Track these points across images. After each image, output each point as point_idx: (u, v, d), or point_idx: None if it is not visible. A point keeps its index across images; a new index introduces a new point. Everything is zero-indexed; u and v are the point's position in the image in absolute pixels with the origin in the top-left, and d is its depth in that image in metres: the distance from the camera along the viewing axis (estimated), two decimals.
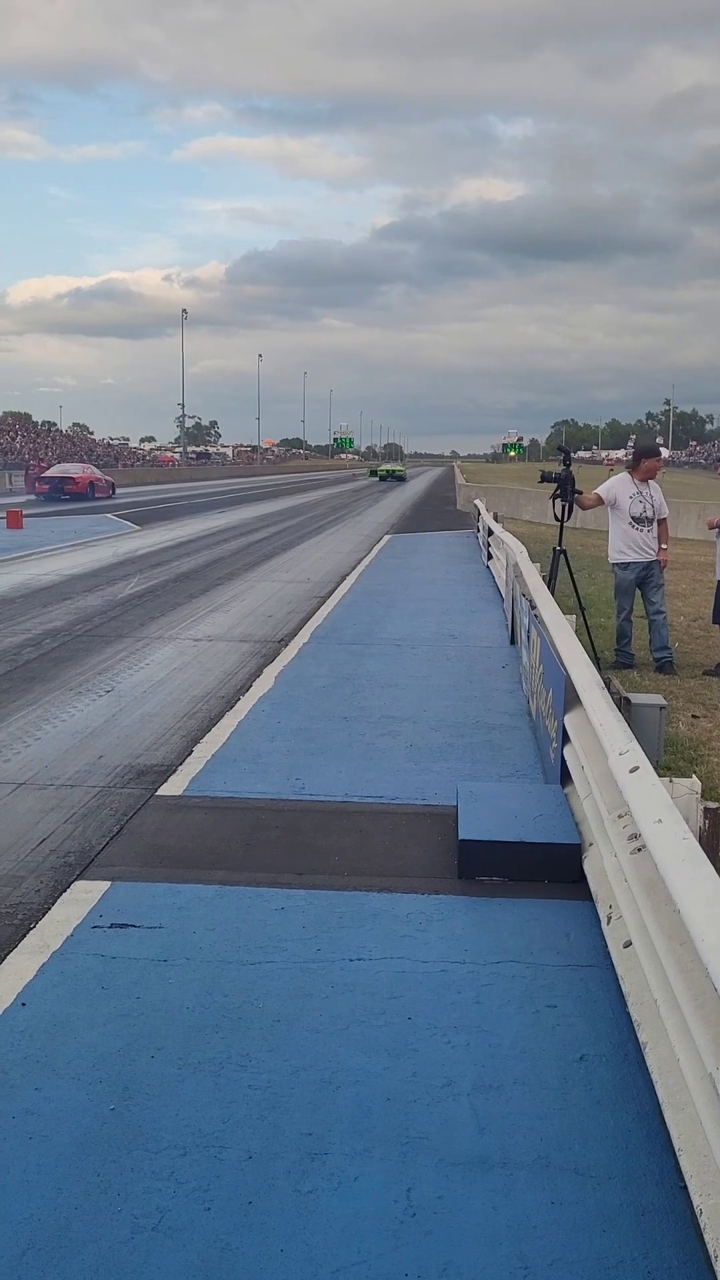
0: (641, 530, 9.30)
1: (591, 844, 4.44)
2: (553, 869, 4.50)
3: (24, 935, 3.96)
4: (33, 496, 38.10)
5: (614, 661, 9.22)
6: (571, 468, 9.43)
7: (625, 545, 9.31)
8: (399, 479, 75.83)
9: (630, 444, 43.50)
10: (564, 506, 9.47)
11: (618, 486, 9.38)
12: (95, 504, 36.10)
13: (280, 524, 27.59)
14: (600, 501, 9.38)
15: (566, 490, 9.38)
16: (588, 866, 4.39)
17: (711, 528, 9.77)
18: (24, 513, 25.45)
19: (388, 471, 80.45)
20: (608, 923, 3.85)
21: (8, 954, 3.81)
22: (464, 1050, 3.24)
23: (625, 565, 9.32)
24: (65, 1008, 3.46)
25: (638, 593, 9.35)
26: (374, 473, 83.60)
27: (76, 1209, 2.55)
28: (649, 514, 9.35)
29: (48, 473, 40.71)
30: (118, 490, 42.88)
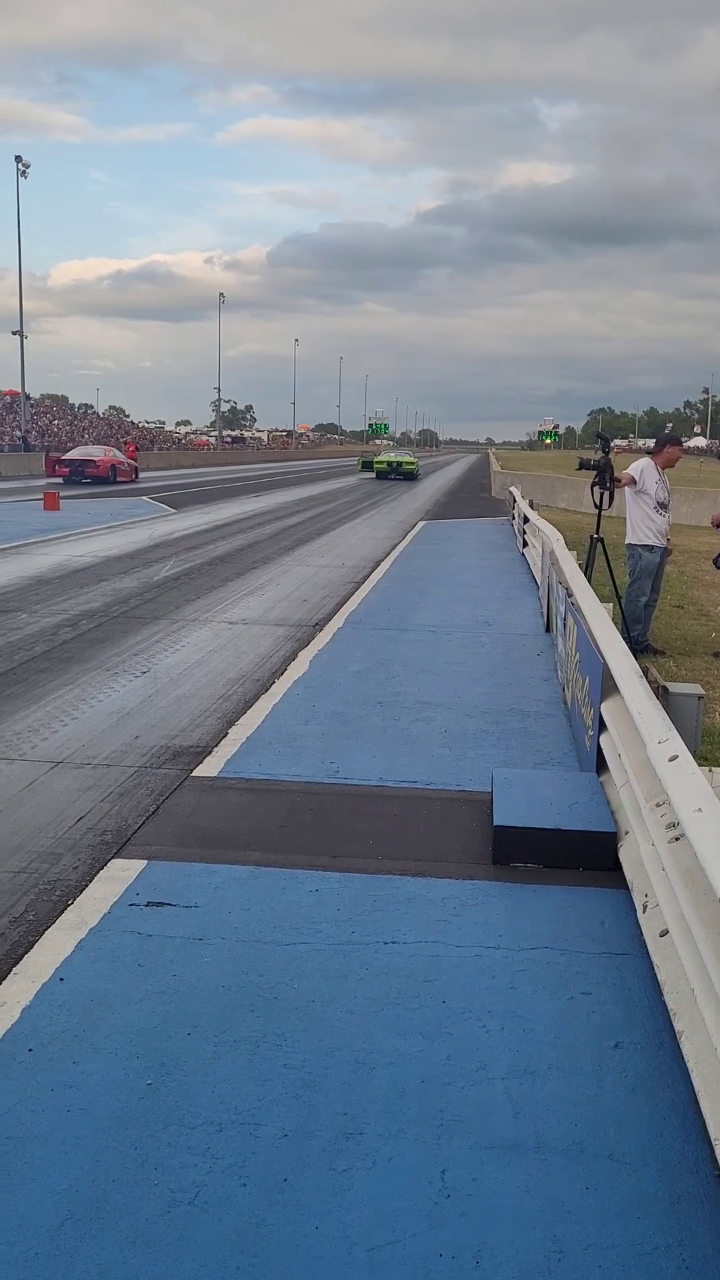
0: (663, 516, 9.27)
1: (627, 832, 4.43)
2: (587, 857, 4.49)
3: (62, 911, 4.01)
4: (54, 480, 36.08)
5: (643, 646, 9.16)
6: (611, 455, 9.37)
7: (650, 531, 9.27)
8: (406, 476, 48.95)
9: (665, 431, 42.83)
10: (602, 494, 9.42)
11: (647, 470, 9.32)
12: (128, 487, 35.79)
13: (315, 509, 27.60)
14: (633, 481, 9.30)
15: (605, 478, 9.33)
16: (623, 855, 4.38)
17: (717, 525, 9.73)
18: (60, 495, 25.61)
19: (388, 464, 49.90)
20: (643, 911, 3.84)
21: (46, 929, 3.86)
22: (498, 1035, 3.25)
23: (651, 548, 9.27)
24: (103, 984, 3.49)
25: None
26: (367, 465, 52.77)
27: (114, 1181, 2.58)
28: (666, 501, 9.32)
29: (68, 455, 38.65)
30: (151, 473, 42.59)
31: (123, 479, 37.81)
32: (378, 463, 50.66)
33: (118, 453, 41.44)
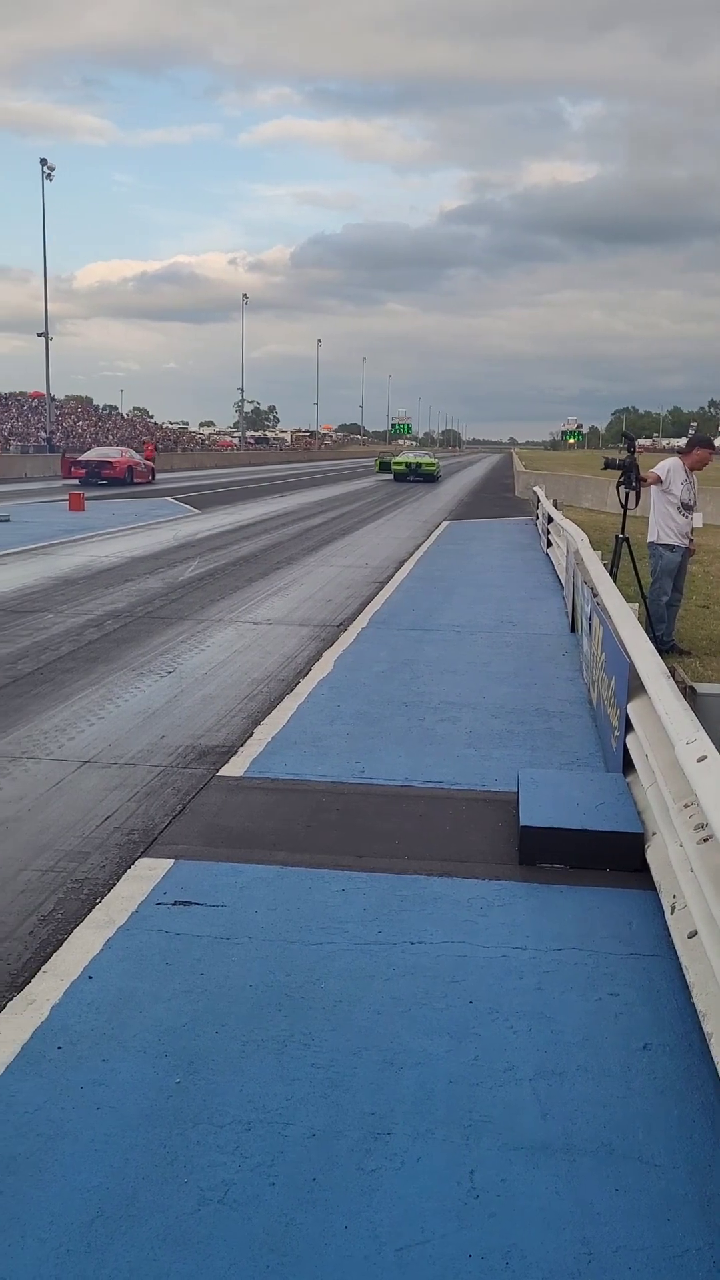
0: (686, 517, 9.23)
1: (655, 833, 4.41)
2: (614, 857, 4.48)
3: (90, 910, 4.03)
4: (70, 481, 35.49)
5: (668, 645, 9.11)
6: (636, 455, 9.34)
7: (672, 530, 9.23)
8: (425, 478, 46.32)
9: (692, 430, 42.63)
10: (628, 494, 9.39)
11: (674, 470, 9.28)
12: (153, 488, 35.76)
13: (338, 509, 27.62)
14: (659, 480, 9.26)
15: (631, 477, 9.30)
16: (650, 856, 4.35)
17: None
18: (85, 495, 25.75)
19: (407, 466, 47.03)
20: (671, 912, 3.82)
21: (74, 928, 3.88)
22: (526, 1035, 3.24)
23: (672, 548, 9.24)
24: (131, 982, 3.51)
25: None
26: (384, 466, 50.31)
27: (144, 1179, 2.59)
28: (692, 502, 9.27)
29: (84, 456, 37.84)
30: (175, 473, 42.40)
31: (139, 480, 37.21)
32: (395, 464, 47.73)
33: (134, 453, 40.65)
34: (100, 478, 35.40)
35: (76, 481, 35.11)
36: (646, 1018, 3.36)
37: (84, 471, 35.76)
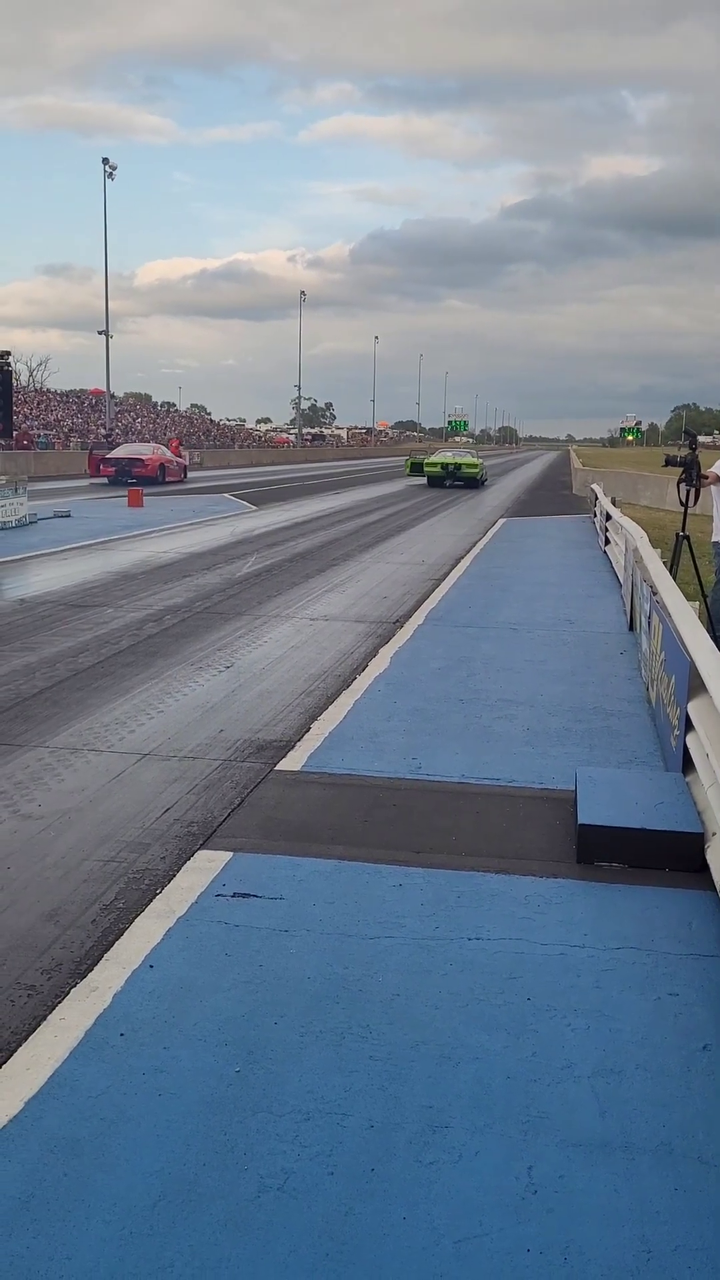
0: None
1: (715, 833, 4.37)
2: (674, 857, 4.44)
3: (150, 900, 4.08)
4: (98, 480, 33.31)
5: None
6: (697, 452, 9.23)
7: None
8: (466, 482, 38.16)
9: None
10: (689, 491, 9.28)
11: None
12: (206, 485, 35.49)
13: (394, 505, 27.61)
14: (718, 480, 9.14)
15: (692, 475, 9.19)
16: (711, 856, 4.32)
17: None
18: (144, 492, 26.01)
19: (443, 467, 38.28)
20: None
21: (136, 918, 3.93)
22: (584, 1033, 3.23)
23: None
24: (191, 972, 3.55)
25: None
26: (416, 467, 41.24)
27: (205, 1165, 2.63)
28: None
29: (114, 453, 35.07)
30: (232, 470, 42.09)
31: (171, 479, 34.77)
32: (429, 465, 38.98)
33: (166, 450, 37.68)
34: (130, 476, 32.17)
35: (105, 480, 32.87)
36: (706, 1018, 3.33)
37: (113, 470, 33.12)
